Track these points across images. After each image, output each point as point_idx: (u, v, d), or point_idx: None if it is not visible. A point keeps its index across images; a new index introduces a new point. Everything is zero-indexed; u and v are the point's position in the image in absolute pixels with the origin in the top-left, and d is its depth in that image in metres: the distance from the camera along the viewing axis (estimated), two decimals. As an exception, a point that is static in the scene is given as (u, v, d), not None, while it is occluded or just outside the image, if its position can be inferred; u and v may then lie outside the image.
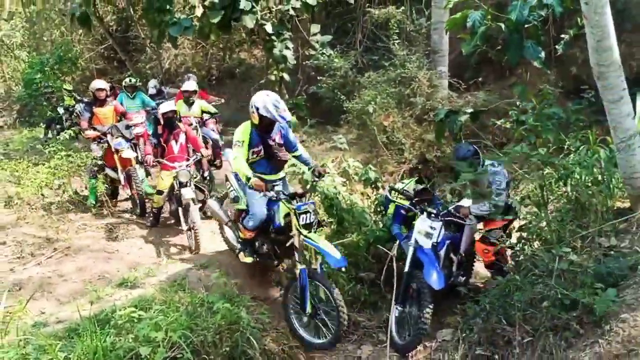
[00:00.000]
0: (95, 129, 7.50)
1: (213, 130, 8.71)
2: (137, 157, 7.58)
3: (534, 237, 4.97)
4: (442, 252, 5.31)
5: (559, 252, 4.12)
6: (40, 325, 3.95)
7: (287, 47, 10.60)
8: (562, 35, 5.88)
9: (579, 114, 5.17)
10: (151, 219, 7.01)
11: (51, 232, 6.43)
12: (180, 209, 6.45)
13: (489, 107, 7.93)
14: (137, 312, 3.70)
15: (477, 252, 5.67)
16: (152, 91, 10.71)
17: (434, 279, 4.90)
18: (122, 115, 7.94)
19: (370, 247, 5.58)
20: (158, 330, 3.48)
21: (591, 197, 4.78)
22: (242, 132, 4.97)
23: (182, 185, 6.33)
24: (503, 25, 5.11)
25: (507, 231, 5.53)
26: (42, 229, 6.47)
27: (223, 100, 10.03)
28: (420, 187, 5.72)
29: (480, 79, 10.55)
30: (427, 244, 5.14)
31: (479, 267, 5.97)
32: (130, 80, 9.35)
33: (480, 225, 5.83)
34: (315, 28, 11.29)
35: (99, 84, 7.78)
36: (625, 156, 4.54)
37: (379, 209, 6.03)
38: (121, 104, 9.01)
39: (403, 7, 10.36)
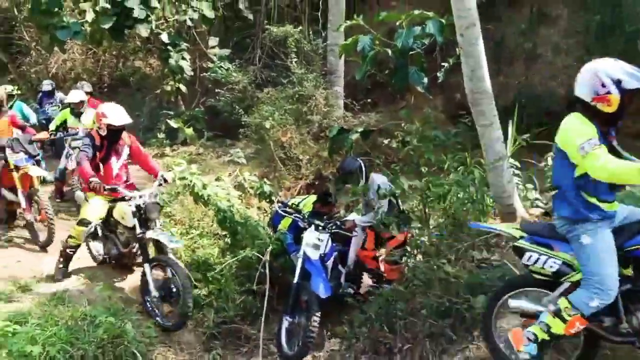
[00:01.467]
0: None
1: None
2: (42, 177, 6.82)
3: (417, 250, 5.31)
4: (329, 263, 5.53)
5: (437, 264, 4.44)
6: None
7: (183, 58, 10.50)
8: (444, 64, 6.34)
9: (457, 137, 5.59)
10: (61, 266, 5.36)
11: None
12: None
13: (379, 127, 8.33)
14: (12, 326, 3.49)
15: (385, 272, 5.90)
16: (46, 87, 10.31)
17: (321, 288, 5.08)
18: (20, 129, 7.01)
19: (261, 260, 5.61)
20: (34, 344, 3.31)
21: (466, 213, 5.20)
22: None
23: (145, 222, 5.00)
24: (390, 51, 5.46)
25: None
26: None
27: None
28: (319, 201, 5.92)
29: (372, 101, 11.06)
30: (314, 255, 5.33)
31: (367, 280, 6.23)
32: (5, 89, 8.63)
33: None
34: (213, 41, 11.27)
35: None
36: (495, 177, 5.00)
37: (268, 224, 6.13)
38: None
39: (301, 27, 10.61)
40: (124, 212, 5.11)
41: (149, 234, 4.98)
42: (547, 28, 10.43)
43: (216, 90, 10.87)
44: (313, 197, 6.11)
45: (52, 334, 3.53)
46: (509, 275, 4.44)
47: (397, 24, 5.50)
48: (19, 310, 4.11)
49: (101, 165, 5.33)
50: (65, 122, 8.13)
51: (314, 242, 5.36)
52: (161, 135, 10.87)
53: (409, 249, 5.45)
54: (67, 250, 5.38)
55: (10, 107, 8.37)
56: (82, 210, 5.42)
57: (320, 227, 5.49)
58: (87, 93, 9.05)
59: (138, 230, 4.96)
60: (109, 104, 5.55)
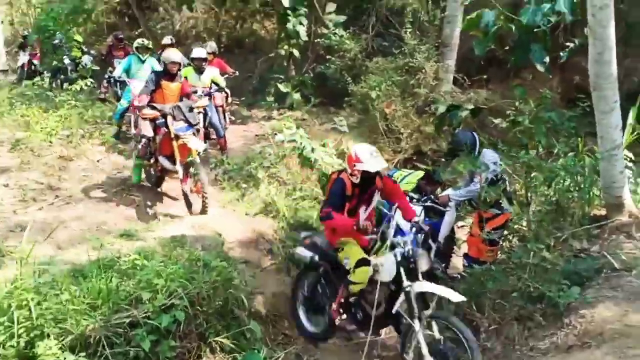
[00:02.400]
0: (154, 108, 6.18)
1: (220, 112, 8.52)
2: (204, 149, 6.66)
3: (514, 234, 5.29)
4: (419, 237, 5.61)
5: (534, 248, 4.43)
6: (46, 264, 4.20)
7: (301, 23, 10.70)
8: (568, 43, 6.09)
9: (572, 121, 5.41)
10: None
11: (53, 180, 6.67)
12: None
13: (490, 105, 8.15)
14: (141, 259, 3.98)
15: (480, 251, 5.87)
16: (166, 41, 10.07)
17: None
18: (185, 96, 6.59)
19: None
20: (159, 278, 3.77)
21: (571, 201, 5.08)
22: None
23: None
24: (514, 27, 5.34)
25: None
26: (44, 176, 6.71)
27: (237, 74, 9.76)
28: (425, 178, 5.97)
29: (485, 78, 10.76)
30: (406, 226, 5.43)
31: (456, 261, 6.25)
32: (143, 42, 9.01)
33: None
34: (331, 7, 11.39)
35: (173, 55, 6.49)
36: (607, 166, 4.83)
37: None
38: (129, 67, 8.82)
39: (421, -4, 10.46)
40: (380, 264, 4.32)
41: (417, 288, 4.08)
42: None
43: (327, 57, 11.05)
44: (420, 173, 6.16)
45: (173, 271, 3.97)
46: (608, 267, 4.35)
47: (525, -1, 5.33)
48: (144, 247, 4.65)
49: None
50: (185, 78, 7.99)
51: None
52: (270, 99, 11.26)
53: (506, 232, 5.44)
54: (350, 300, 4.55)
55: (143, 62, 9.04)
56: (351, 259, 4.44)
57: (414, 199, 5.57)
58: (210, 54, 9.20)
59: (405, 283, 4.10)
60: (363, 145, 4.65)
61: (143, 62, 8.83)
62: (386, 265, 4.27)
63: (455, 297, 3.95)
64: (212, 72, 8.30)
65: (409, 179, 6.16)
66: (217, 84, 8.30)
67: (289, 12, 10.80)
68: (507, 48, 6.14)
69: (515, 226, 5.40)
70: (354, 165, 4.45)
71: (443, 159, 6.43)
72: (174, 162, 6.19)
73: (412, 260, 4.20)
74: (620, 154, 4.80)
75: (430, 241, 5.73)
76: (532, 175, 5.46)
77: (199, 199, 6.16)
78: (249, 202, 6.49)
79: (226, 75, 9.09)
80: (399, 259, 4.22)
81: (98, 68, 11.32)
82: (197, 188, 6.18)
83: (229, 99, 9.33)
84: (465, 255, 5.91)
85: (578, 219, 4.90)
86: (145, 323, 3.59)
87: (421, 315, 4.04)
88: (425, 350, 3.94)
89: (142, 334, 3.53)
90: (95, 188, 6.67)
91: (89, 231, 5.48)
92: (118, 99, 10.19)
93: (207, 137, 7.78)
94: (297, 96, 11.04)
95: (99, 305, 3.59)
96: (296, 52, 11.32)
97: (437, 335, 3.99)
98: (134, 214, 6.19)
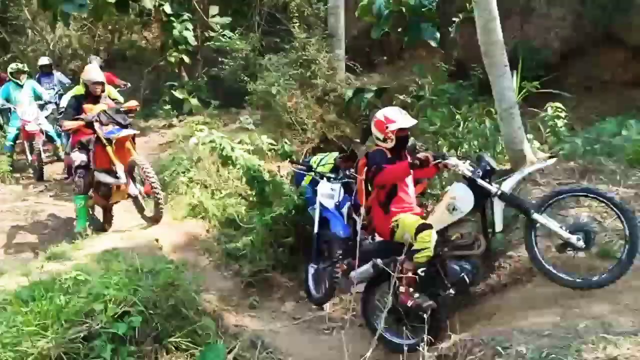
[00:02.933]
0: (77, 118, 5.77)
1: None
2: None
3: (433, 196, 5.69)
4: (344, 210, 5.91)
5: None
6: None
7: (187, 28, 10.63)
8: (454, 19, 6.61)
9: (468, 90, 5.93)
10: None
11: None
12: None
13: (391, 85, 8.61)
14: (83, 275, 3.84)
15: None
16: (43, 61, 9.84)
17: (339, 229, 5.49)
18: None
19: (289, 215, 5.97)
20: (107, 289, 3.67)
21: (480, 160, 5.55)
22: None
23: None
24: (404, 9, 5.73)
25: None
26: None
27: (130, 86, 9.63)
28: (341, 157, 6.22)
29: (371, 62, 11.32)
30: (330, 204, 5.73)
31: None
32: (17, 66, 8.69)
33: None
34: (213, 10, 11.38)
35: (95, 75, 6.06)
36: (507, 124, 5.34)
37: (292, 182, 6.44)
38: (8, 95, 8.50)
39: (301, -8, 10.77)
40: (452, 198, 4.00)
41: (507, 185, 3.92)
42: (541, -19, 10.60)
43: (219, 59, 11.03)
44: (334, 154, 6.42)
45: (118, 281, 3.87)
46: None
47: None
48: (78, 265, 4.45)
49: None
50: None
51: (328, 192, 5.76)
52: (167, 107, 11.06)
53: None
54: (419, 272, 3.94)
55: (22, 86, 8.54)
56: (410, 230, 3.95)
57: (332, 179, 5.87)
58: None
59: (493, 189, 3.87)
60: (388, 108, 4.52)
61: (21, 86, 8.51)
62: (459, 193, 3.99)
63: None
64: (108, 89, 7.69)
65: (325, 160, 6.42)
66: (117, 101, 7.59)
67: (172, 19, 10.67)
68: (399, 30, 6.55)
69: (428, 190, 5.81)
70: (387, 128, 4.24)
71: (358, 140, 6.74)
72: (115, 175, 5.70)
73: (481, 168, 3.96)
74: (516, 112, 5.32)
75: (354, 215, 6.05)
76: (438, 143, 5.92)
77: (150, 200, 5.79)
78: (174, 208, 6.38)
79: (118, 89, 8.65)
80: (469, 174, 3.93)
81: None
82: (147, 188, 5.76)
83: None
84: None
85: (489, 174, 5.34)
86: (102, 333, 3.50)
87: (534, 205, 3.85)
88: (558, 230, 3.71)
89: (101, 344, 3.45)
90: (1, 220, 6.22)
91: (4, 261, 5.13)
92: (0, 128, 9.57)
93: None
94: (194, 101, 10.95)
95: (49, 324, 3.44)
96: (186, 58, 11.21)
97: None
98: (48, 238, 5.87)
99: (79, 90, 7.20)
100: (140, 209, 5.91)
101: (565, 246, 3.74)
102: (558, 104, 6.36)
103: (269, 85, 9.72)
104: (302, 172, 6.24)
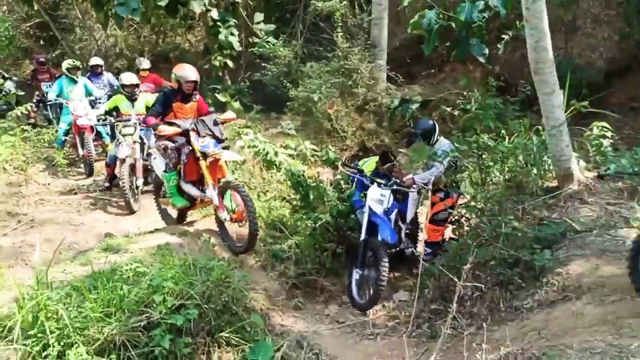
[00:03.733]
0: (172, 124, 5.50)
1: None
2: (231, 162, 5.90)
3: (478, 210, 5.73)
4: (392, 217, 6.00)
5: (504, 220, 4.85)
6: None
7: (232, 34, 10.87)
8: (503, 36, 6.66)
9: (515, 106, 5.96)
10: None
11: (9, 207, 6.41)
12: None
13: (435, 97, 8.68)
14: (141, 267, 4.01)
15: (426, 233, 6.37)
16: (94, 61, 9.91)
17: (387, 234, 5.64)
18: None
19: (333, 220, 6.07)
20: (166, 281, 3.83)
21: (525, 176, 5.60)
22: None
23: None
24: (453, 25, 5.82)
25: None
26: (-1, 203, 6.45)
27: (176, 87, 9.74)
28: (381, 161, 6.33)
29: (411, 74, 11.40)
30: (379, 209, 5.82)
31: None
32: (73, 62, 8.91)
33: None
34: (258, 17, 11.61)
35: (189, 73, 5.71)
36: (554, 141, 5.37)
37: (340, 186, 6.52)
38: (61, 90, 8.74)
39: (345, 2, 10.90)
40: None
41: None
42: (586, 0, 10.58)
43: (262, 65, 11.24)
44: (375, 158, 6.51)
45: (173, 275, 4.03)
46: (570, 230, 4.86)
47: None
48: (135, 257, 4.63)
49: None
50: (117, 107, 7.54)
51: (378, 198, 5.85)
52: (210, 110, 11.27)
53: (459, 211, 5.91)
54: None
55: (76, 82, 8.79)
56: None
57: (382, 184, 5.96)
58: (144, 70, 9.38)
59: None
60: None
61: (75, 82, 8.72)
62: None
63: None
64: (145, 98, 7.58)
65: (368, 163, 6.53)
66: None
67: (219, 24, 10.93)
68: (447, 44, 6.63)
69: (472, 204, 5.85)
70: None
71: (405, 144, 6.79)
72: (201, 189, 5.53)
73: None
74: (565, 130, 5.35)
75: (400, 223, 6.14)
76: (483, 157, 5.96)
77: (240, 228, 5.45)
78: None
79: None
80: None
81: (23, 93, 10.93)
82: (239, 215, 5.34)
83: None
84: (425, 242, 6.38)
85: (534, 191, 5.39)
86: (161, 323, 3.65)
87: None
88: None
89: (160, 334, 3.61)
90: (55, 210, 6.47)
91: (60, 251, 5.33)
92: (49, 123, 9.87)
93: (146, 170, 7.08)
94: (236, 105, 11.16)
95: (112, 312, 3.61)
96: (230, 63, 11.45)
97: None
98: (101, 232, 6.09)
99: (118, 99, 7.58)
100: (227, 238, 5.54)
101: None
102: (604, 124, 6.35)
103: (311, 92, 9.86)
104: (353, 175, 6.33)
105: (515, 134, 6.11)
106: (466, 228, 5.74)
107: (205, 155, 5.41)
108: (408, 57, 11.84)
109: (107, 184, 7.78)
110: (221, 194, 5.43)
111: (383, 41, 10.61)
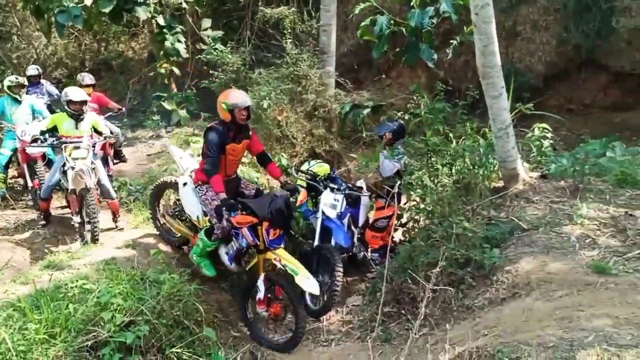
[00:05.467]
0: (245, 208, 4.86)
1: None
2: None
3: (428, 212, 5.81)
4: (345, 221, 6.03)
5: (454, 221, 4.93)
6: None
7: (179, 41, 10.68)
8: (451, 41, 6.80)
9: (464, 109, 6.10)
10: None
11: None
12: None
13: (385, 102, 8.77)
14: (88, 284, 3.84)
15: (367, 239, 6.45)
16: (31, 72, 8.79)
17: (342, 239, 5.72)
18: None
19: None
20: (115, 298, 3.68)
21: (473, 178, 5.71)
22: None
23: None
24: (404, 30, 5.90)
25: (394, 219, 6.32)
26: None
27: (124, 110, 8.75)
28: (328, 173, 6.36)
29: (359, 79, 11.52)
30: (332, 214, 5.87)
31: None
32: (17, 79, 7.54)
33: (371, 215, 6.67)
34: (206, 23, 11.46)
35: (244, 99, 5.06)
36: (501, 143, 5.50)
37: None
38: (2, 111, 7.44)
39: (293, 9, 10.90)
40: None
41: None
42: (526, 6, 10.96)
43: (210, 72, 11.09)
44: (326, 165, 6.54)
45: (122, 291, 3.89)
46: (517, 229, 4.99)
47: (412, 3, 5.91)
48: (78, 274, 4.43)
49: None
50: (55, 127, 6.24)
51: (331, 202, 5.89)
52: (155, 118, 11.05)
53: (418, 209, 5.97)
54: None
55: (20, 102, 7.49)
56: None
57: (335, 189, 5.99)
58: (87, 86, 8.02)
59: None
60: None
61: (19, 102, 7.51)
62: None
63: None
64: (93, 118, 6.53)
65: (316, 166, 6.54)
66: (98, 132, 6.49)
67: (165, 30, 10.72)
68: (397, 50, 6.72)
69: (422, 206, 5.93)
70: None
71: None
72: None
73: None
74: (511, 132, 5.49)
75: (352, 227, 6.17)
76: (433, 159, 6.06)
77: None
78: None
79: (109, 113, 8.22)
80: None
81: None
82: (275, 309, 5.05)
83: (120, 140, 8.61)
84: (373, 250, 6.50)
85: (482, 192, 5.50)
86: (110, 342, 3.51)
87: None
88: None
89: (109, 353, 3.47)
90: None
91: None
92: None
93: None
94: (183, 112, 10.95)
95: (58, 333, 3.44)
96: (176, 70, 11.25)
97: None
98: (44, 248, 5.82)
99: (59, 118, 6.18)
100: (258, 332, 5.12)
101: None
102: (545, 125, 6.56)
103: (260, 99, 9.78)
104: (309, 181, 6.31)
105: (463, 137, 6.26)
106: (416, 230, 5.82)
107: (267, 250, 4.88)
108: (356, 63, 11.97)
109: (43, 222, 6.66)
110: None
111: (332, 47, 10.65)
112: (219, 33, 11.40)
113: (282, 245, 4.92)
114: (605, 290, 3.76)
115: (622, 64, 10.18)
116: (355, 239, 6.30)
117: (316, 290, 4.75)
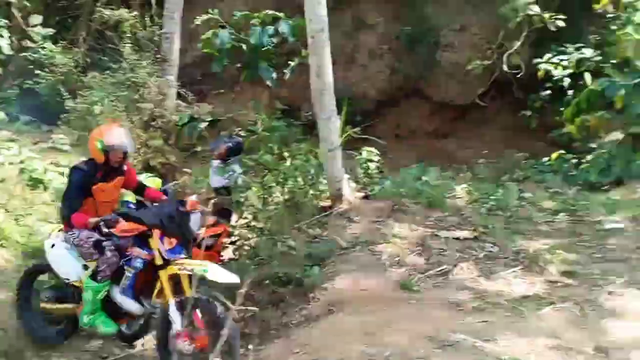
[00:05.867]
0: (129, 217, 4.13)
1: None
2: None
3: (259, 229, 5.85)
4: None
5: (280, 239, 5.03)
6: None
7: (1, 36, 9.66)
8: (289, 62, 6.98)
9: (298, 129, 6.29)
10: None
11: None
12: None
13: (224, 116, 8.68)
14: None
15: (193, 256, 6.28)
16: None
17: None
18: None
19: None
20: None
21: (303, 196, 5.89)
22: None
23: None
24: (244, 47, 5.92)
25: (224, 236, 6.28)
26: None
27: None
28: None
29: (202, 91, 11.36)
30: None
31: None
32: None
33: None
34: (36, 19, 10.52)
35: (122, 138, 4.35)
36: (330, 164, 5.74)
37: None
38: None
39: (135, 12, 10.43)
40: None
41: None
42: (365, 34, 11.63)
43: (36, 72, 10.17)
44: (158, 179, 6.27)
45: None
46: (338, 247, 5.21)
47: (252, 22, 5.96)
48: None
49: None
50: None
51: None
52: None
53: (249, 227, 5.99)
54: None
55: None
56: None
57: None
58: None
59: None
60: None
61: None
62: None
63: None
64: None
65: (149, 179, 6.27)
66: None
67: (-15, 24, 9.67)
68: (239, 65, 6.72)
69: (253, 223, 5.97)
70: None
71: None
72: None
73: None
74: (339, 153, 5.76)
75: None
76: (266, 177, 6.15)
77: None
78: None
79: None
80: None
81: None
82: (201, 341, 3.93)
83: None
84: None
85: (311, 210, 5.69)
86: None
87: None
88: None
89: None
90: None
91: None
92: None
93: None
94: (1, 114, 9.86)
95: None
96: (-1, 68, 10.17)
97: None
98: None
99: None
100: None
101: None
102: (372, 149, 6.98)
103: (91, 105, 9.18)
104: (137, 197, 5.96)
105: (296, 156, 6.43)
106: (247, 248, 5.82)
107: (167, 264, 4.07)
108: (200, 74, 11.77)
109: None
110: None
111: (174, 56, 10.36)
112: (50, 31, 10.54)
113: (183, 256, 4.18)
114: (408, 306, 4.07)
115: (443, 95, 11.25)
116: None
117: (236, 279, 3.88)
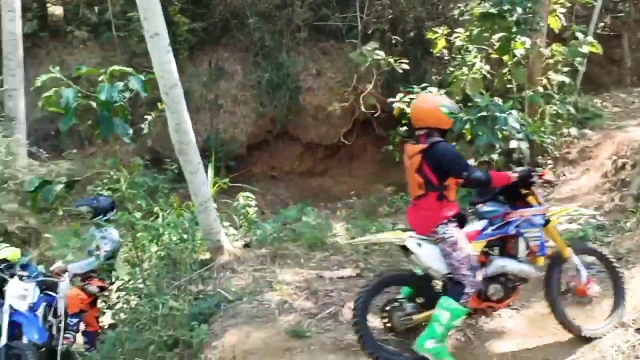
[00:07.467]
0: None
1: None
2: None
3: (134, 293, 5.50)
4: (39, 312, 5.41)
5: (161, 301, 4.75)
6: None
7: None
8: (146, 116, 6.77)
9: (165, 183, 6.05)
10: None
11: None
12: None
13: (83, 176, 8.14)
14: None
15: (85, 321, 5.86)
16: None
17: (35, 334, 5.07)
18: None
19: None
20: None
21: (180, 252, 5.66)
22: None
23: None
24: (94, 104, 5.61)
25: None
26: None
27: None
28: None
29: (58, 148, 10.64)
30: (23, 305, 5.19)
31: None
32: None
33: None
34: None
35: None
36: (204, 216, 5.58)
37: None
38: None
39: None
40: None
41: None
42: (226, 82, 11.75)
43: None
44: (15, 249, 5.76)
45: None
46: (224, 301, 5.05)
47: (99, 78, 5.71)
48: None
49: None
50: None
51: (21, 293, 5.23)
52: None
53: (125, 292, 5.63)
54: None
55: None
56: None
57: (25, 277, 5.38)
58: None
59: None
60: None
61: None
62: None
63: None
64: None
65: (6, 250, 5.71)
66: None
67: None
68: (90, 123, 6.32)
69: (129, 285, 5.62)
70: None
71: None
72: None
73: None
74: (211, 205, 5.62)
75: (50, 317, 5.51)
76: (137, 235, 5.85)
77: None
78: None
79: None
80: None
81: None
82: None
83: None
84: (84, 332, 5.93)
85: (189, 266, 5.47)
86: None
87: None
88: None
89: None
90: None
91: None
92: None
93: None
94: None
95: None
96: None
97: None
98: None
99: None
100: None
101: None
102: (248, 194, 6.93)
103: None
104: None
105: (167, 211, 6.20)
106: (127, 311, 5.44)
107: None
108: (53, 130, 11.04)
109: None
110: None
111: (20, 114, 9.62)
112: None
113: None
114: (301, 354, 4.03)
115: (311, 136, 11.62)
116: (54, 330, 5.62)
117: None
